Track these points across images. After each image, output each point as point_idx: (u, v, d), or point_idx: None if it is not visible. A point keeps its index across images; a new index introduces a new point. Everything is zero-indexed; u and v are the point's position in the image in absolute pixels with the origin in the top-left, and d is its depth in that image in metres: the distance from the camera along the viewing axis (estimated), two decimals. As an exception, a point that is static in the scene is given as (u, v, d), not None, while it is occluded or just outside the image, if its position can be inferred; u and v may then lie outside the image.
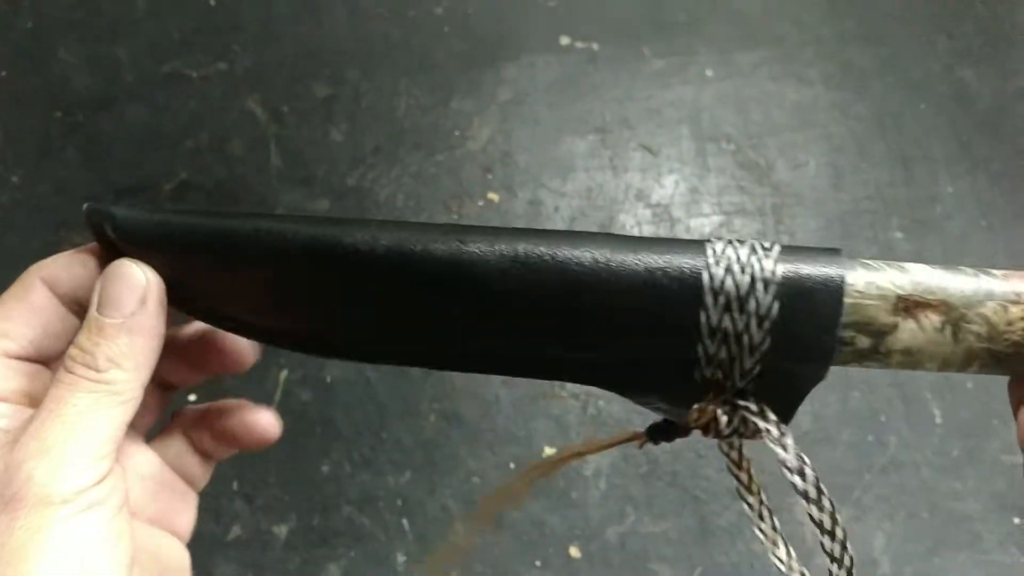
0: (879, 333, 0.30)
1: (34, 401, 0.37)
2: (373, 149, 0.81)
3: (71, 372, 0.35)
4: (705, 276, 0.29)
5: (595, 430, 0.75)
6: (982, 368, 0.31)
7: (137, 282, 0.36)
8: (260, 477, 0.72)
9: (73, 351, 0.35)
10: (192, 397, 0.75)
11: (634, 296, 0.30)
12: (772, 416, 0.30)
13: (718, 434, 0.31)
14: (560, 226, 0.80)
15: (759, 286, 0.29)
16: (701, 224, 0.80)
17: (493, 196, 0.80)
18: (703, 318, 0.29)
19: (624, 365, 0.31)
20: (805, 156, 0.81)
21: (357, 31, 0.84)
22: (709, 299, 0.29)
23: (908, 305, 0.31)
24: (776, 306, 0.29)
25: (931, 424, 0.76)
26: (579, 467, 0.74)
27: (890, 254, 0.79)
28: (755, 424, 0.30)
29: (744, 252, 0.30)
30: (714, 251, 0.30)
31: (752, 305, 0.29)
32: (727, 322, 0.29)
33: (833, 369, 0.35)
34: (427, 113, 0.82)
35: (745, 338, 0.29)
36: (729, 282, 0.29)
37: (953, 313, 0.31)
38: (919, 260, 0.81)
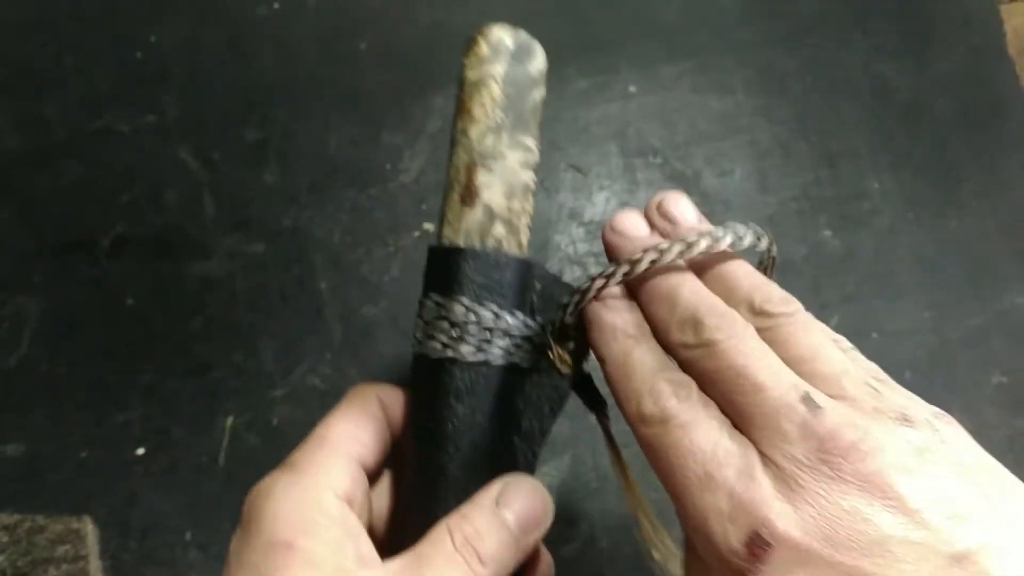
0: (491, 216, 0.42)
1: (355, 507, 0.41)
2: (306, 188, 0.82)
3: (505, 543, 0.39)
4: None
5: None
6: (531, 130, 0.44)
7: (545, 510, 0.41)
8: (213, 526, 0.73)
9: (469, 529, 0.38)
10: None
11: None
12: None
13: (577, 354, 0.43)
14: (497, 250, 0.81)
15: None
16: (634, 238, 0.81)
17: (429, 226, 0.81)
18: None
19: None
20: (731, 163, 0.83)
21: (284, 71, 0.85)
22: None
23: (465, 195, 0.42)
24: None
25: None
26: (531, 488, 0.75)
27: (820, 252, 0.81)
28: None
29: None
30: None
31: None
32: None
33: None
34: (358, 148, 0.83)
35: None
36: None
37: (477, 160, 0.42)
38: (850, 256, 0.82)
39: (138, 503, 0.73)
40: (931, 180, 0.84)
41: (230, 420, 0.75)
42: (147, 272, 0.79)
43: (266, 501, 0.37)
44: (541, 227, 0.81)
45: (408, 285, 0.79)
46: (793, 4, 0.88)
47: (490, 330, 0.41)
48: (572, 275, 0.80)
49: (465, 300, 0.40)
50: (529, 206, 0.44)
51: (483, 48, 0.42)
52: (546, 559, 0.48)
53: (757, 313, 0.38)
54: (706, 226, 0.44)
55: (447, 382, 0.41)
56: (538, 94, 0.44)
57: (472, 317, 0.40)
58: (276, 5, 0.87)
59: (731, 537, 0.32)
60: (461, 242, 0.41)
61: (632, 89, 0.86)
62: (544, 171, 0.83)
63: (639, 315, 0.40)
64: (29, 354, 0.77)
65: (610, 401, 0.49)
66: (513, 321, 0.41)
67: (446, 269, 0.41)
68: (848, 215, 0.82)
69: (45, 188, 0.82)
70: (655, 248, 0.40)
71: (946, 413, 0.37)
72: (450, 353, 0.41)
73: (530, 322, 0.42)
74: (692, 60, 0.86)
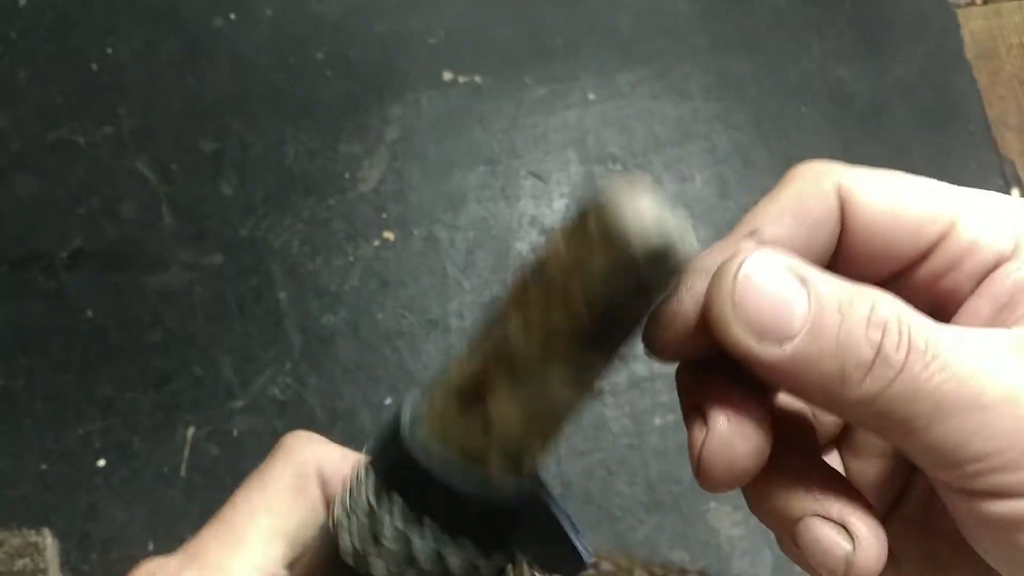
0: (486, 432, 0.28)
1: None
2: (263, 198, 0.85)
3: None
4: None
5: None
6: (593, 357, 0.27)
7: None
8: (176, 536, 0.76)
9: None
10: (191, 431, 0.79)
11: None
12: None
13: None
14: (457, 259, 0.85)
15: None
16: (594, 244, 0.85)
17: (388, 235, 0.85)
18: None
19: None
20: (690, 169, 0.87)
21: (240, 82, 0.89)
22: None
23: (469, 395, 0.28)
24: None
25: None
26: (492, 495, 0.79)
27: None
28: None
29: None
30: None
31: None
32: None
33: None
34: (315, 158, 0.87)
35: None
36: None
37: (502, 354, 0.28)
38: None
39: (99, 515, 0.76)
40: (889, 183, 0.88)
41: (191, 431, 0.78)
42: (105, 284, 0.82)
43: None
44: (501, 234, 0.85)
45: (368, 294, 0.83)
46: (749, 9, 0.92)
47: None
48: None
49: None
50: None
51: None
52: None
53: None
54: None
55: None
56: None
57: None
58: (232, 16, 0.91)
59: None
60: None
61: (591, 96, 0.89)
62: (504, 178, 0.87)
63: None
64: (-14, 369, 0.80)
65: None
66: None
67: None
68: (806, 219, 0.86)
69: (1, 201, 0.85)
70: None
71: None
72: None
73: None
74: (650, 66, 0.90)
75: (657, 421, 0.81)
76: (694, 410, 0.28)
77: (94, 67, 0.89)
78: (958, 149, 0.90)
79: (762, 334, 0.26)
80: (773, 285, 0.26)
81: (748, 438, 0.27)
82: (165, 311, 0.82)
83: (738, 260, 0.26)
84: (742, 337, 0.26)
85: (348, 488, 0.29)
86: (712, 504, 0.80)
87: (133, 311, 0.82)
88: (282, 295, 0.82)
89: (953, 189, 0.29)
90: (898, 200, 0.28)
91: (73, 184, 0.86)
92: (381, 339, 0.82)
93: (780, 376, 0.26)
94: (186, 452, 0.78)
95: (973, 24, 0.93)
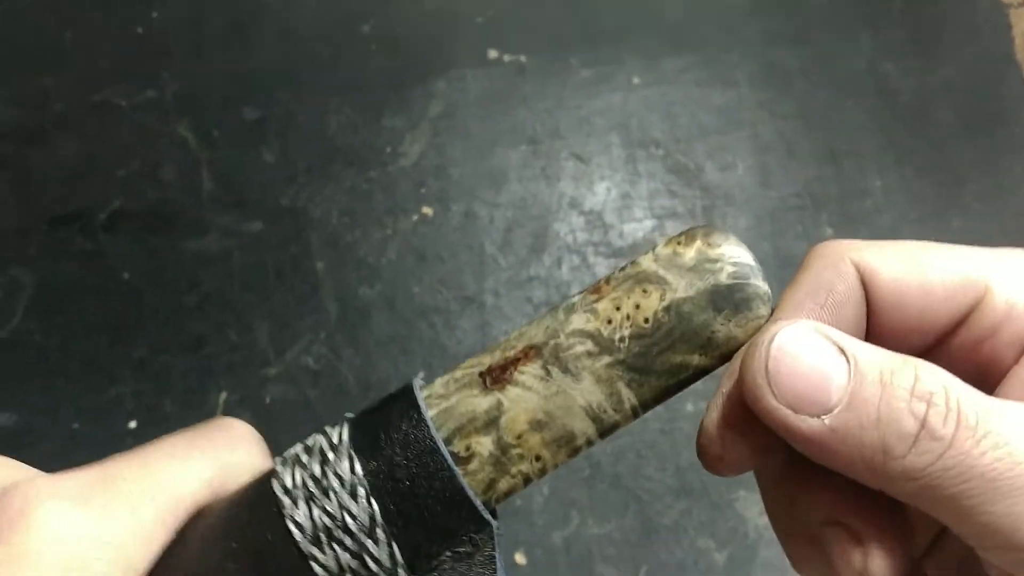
0: (489, 423, 0.27)
1: None
2: (305, 168, 0.85)
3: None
4: (291, 525, 0.26)
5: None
6: (637, 390, 0.27)
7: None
8: (203, 500, 0.76)
9: None
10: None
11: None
12: None
13: None
14: (495, 237, 0.85)
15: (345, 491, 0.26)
16: (634, 229, 0.85)
17: (427, 210, 0.85)
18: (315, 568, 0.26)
19: None
20: (733, 157, 0.87)
21: (286, 52, 0.89)
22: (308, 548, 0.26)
23: (495, 373, 0.27)
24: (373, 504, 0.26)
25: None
26: (522, 475, 0.78)
27: (820, 249, 0.84)
28: None
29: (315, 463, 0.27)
30: (283, 486, 0.26)
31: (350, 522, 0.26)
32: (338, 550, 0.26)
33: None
34: (358, 131, 0.86)
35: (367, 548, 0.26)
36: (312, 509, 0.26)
37: (544, 348, 0.27)
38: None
39: (128, 476, 0.76)
40: (934, 180, 0.88)
41: (223, 396, 0.78)
42: (143, 247, 0.82)
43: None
44: (540, 214, 0.85)
45: (405, 268, 0.83)
46: (800, 1, 0.92)
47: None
48: (571, 264, 0.83)
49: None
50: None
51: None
52: None
53: None
54: None
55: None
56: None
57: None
58: (281, -16, 0.91)
59: None
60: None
61: (636, 81, 0.89)
62: (545, 159, 0.87)
63: None
64: (22, 325, 0.80)
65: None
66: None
67: None
68: (850, 213, 0.86)
69: (42, 161, 0.85)
70: None
71: None
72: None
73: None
74: (697, 53, 0.90)
75: (689, 407, 0.81)
76: (836, 525, 0.27)
77: (139, 31, 0.89)
78: (1002, 151, 0.89)
79: (798, 406, 0.25)
80: (809, 355, 0.25)
81: (906, 550, 0.26)
82: (203, 276, 0.82)
83: (772, 330, 0.26)
84: (777, 409, 0.25)
85: (314, 438, 0.27)
86: (741, 492, 0.79)
87: (170, 274, 0.82)
88: (320, 265, 0.82)
89: (981, 252, 0.28)
90: (924, 271, 0.28)
91: (114, 146, 0.86)
92: (416, 313, 0.82)
93: (818, 450, 0.25)
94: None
95: (1024, 25, 0.92)
